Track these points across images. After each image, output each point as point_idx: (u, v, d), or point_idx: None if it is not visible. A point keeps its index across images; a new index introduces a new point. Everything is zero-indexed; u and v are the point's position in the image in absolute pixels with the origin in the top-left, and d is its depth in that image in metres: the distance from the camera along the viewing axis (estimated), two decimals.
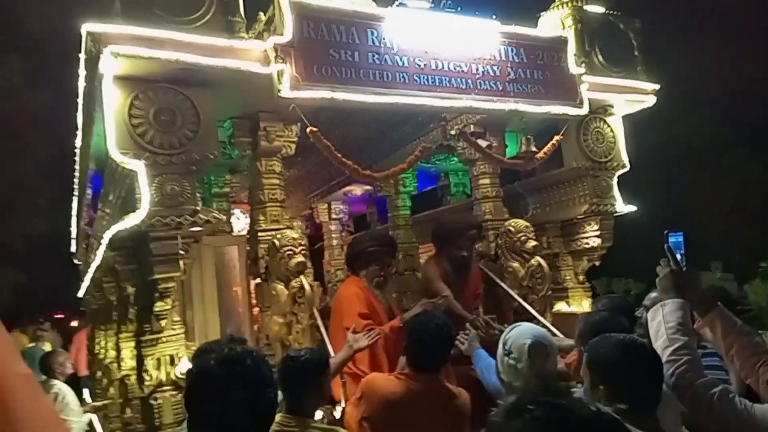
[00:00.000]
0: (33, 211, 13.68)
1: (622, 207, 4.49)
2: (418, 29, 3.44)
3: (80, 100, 3.48)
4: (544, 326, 3.83)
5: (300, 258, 3.35)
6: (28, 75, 11.93)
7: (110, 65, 2.76)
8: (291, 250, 3.37)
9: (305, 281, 3.34)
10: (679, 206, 14.49)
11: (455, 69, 3.52)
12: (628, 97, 4.37)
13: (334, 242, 7.10)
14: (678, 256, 2.02)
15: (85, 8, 2.82)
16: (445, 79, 3.48)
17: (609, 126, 4.53)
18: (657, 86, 4.38)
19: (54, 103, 13.36)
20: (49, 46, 12.06)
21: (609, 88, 4.25)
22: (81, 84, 3.25)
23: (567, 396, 1.05)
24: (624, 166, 4.52)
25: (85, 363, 8.42)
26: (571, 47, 4.04)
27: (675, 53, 13.74)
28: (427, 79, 3.42)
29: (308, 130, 3.25)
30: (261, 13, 3.24)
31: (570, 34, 4.13)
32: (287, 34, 3.03)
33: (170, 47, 2.79)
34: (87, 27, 2.67)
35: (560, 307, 4.71)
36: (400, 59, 3.35)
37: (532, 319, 3.99)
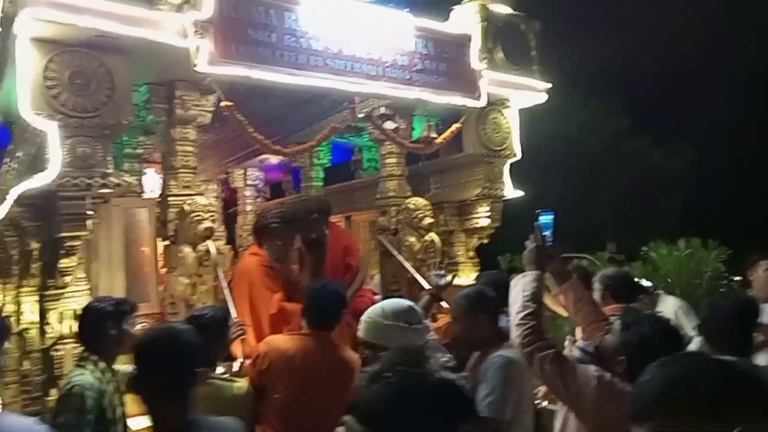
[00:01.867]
0: None
1: (511, 192, 4.99)
2: (334, 16, 3.66)
3: None
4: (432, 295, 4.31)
5: (208, 224, 3.55)
6: None
7: (26, 27, 2.80)
8: (200, 215, 3.56)
9: (211, 245, 3.55)
10: (585, 191, 15.53)
11: (366, 56, 3.79)
12: (524, 93, 4.84)
13: (248, 208, 7.24)
14: (546, 234, 2.25)
15: None
16: (357, 65, 3.74)
17: (505, 118, 4.98)
18: (549, 85, 4.86)
19: None
20: None
21: (506, 84, 4.68)
22: None
23: (421, 365, 1.36)
24: (515, 155, 5.00)
25: None
26: (476, 44, 4.41)
27: (584, 48, 14.64)
28: (340, 64, 3.67)
29: (222, 104, 3.42)
30: None
31: (476, 31, 4.49)
32: (207, 11, 3.17)
33: (88, 14, 2.86)
34: None
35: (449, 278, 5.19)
36: (315, 43, 3.57)
37: (422, 288, 4.45)
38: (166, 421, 1.65)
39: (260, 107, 4.46)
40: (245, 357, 3.11)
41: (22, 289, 4.68)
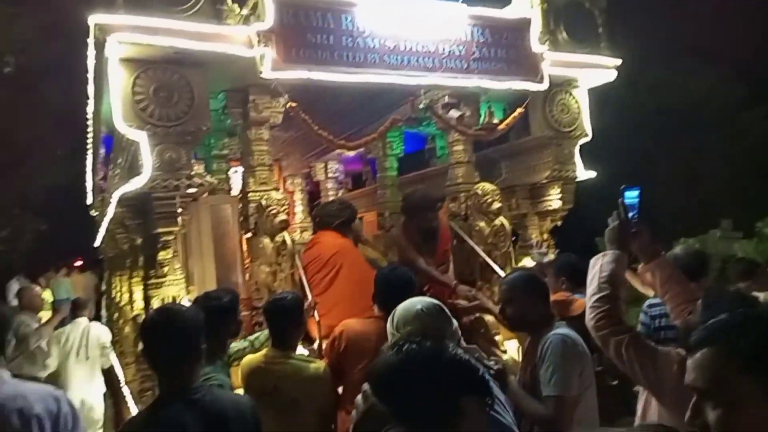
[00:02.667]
0: (51, 162, 14.16)
1: (583, 173, 4.93)
2: (389, 13, 3.83)
3: (90, 75, 3.95)
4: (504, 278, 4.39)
5: (283, 216, 3.87)
6: (41, 29, 12.05)
7: (114, 50, 3.22)
8: (275, 209, 3.88)
9: (287, 236, 3.87)
10: (695, 166, 14.37)
11: (422, 49, 3.92)
12: (591, 71, 4.75)
13: (330, 199, 7.60)
14: (631, 212, 2.11)
15: None
16: (413, 59, 3.89)
17: (574, 98, 4.91)
18: (618, 61, 4.73)
19: (66, 57, 13.75)
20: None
21: (572, 64, 4.62)
22: (90, 63, 3.72)
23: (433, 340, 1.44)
24: (586, 135, 4.92)
25: None
26: (537, 27, 4.40)
27: (697, 16, 13.66)
28: (396, 59, 3.83)
29: (287, 105, 3.71)
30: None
31: (537, 14, 4.48)
32: (269, 21, 3.45)
33: (165, 34, 3.23)
34: (94, 19, 3.11)
35: (525, 262, 5.22)
36: (372, 41, 3.76)
37: (494, 272, 4.54)
38: (163, 389, 1.87)
39: (333, 104, 4.72)
40: (321, 338, 3.39)
41: (133, 280, 5.32)
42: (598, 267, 2.00)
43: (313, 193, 8.22)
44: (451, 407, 1.30)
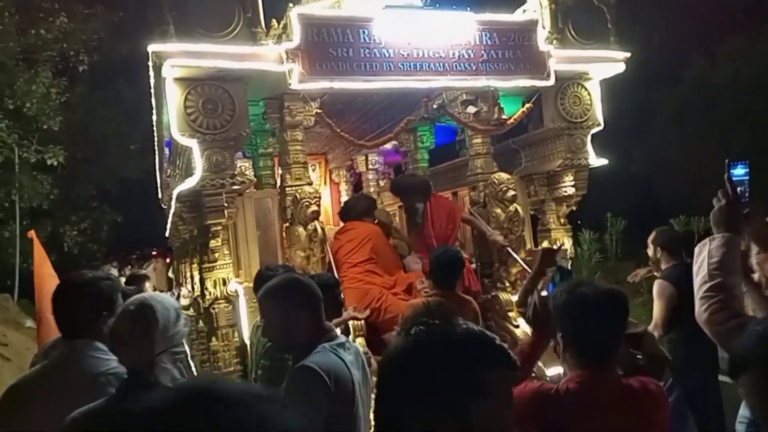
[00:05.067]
0: (125, 156, 15.24)
1: (595, 161, 5.25)
2: (402, 25, 4.31)
3: (152, 90, 4.65)
4: (517, 260, 4.85)
5: (314, 207, 4.45)
6: (113, 27, 12.90)
7: (169, 72, 3.88)
8: (308, 201, 4.47)
9: (318, 225, 4.46)
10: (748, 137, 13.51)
11: (434, 55, 4.38)
12: (601, 65, 5.06)
13: (371, 189, 8.17)
14: (739, 188, 1.86)
15: (149, 29, 3.94)
16: (425, 65, 4.36)
17: (586, 90, 5.22)
18: (627, 54, 5.01)
19: (135, 54, 14.74)
20: None
21: (580, 60, 4.95)
22: (151, 80, 4.41)
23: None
24: (599, 125, 5.24)
25: None
26: (545, 26, 4.77)
27: None
28: (410, 66, 4.32)
29: (314, 112, 4.28)
30: (275, 22, 4.22)
31: (545, 14, 4.84)
32: (296, 40, 4.02)
33: (210, 57, 3.86)
34: (151, 48, 3.78)
35: (544, 245, 5.61)
36: (387, 51, 4.26)
37: (509, 254, 4.99)
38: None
39: (359, 108, 5.27)
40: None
41: (193, 266, 6.08)
42: (705, 253, 1.75)
43: (357, 184, 8.82)
44: (471, 384, 1.12)
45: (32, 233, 4.48)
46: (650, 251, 4.24)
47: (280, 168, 7.39)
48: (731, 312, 1.64)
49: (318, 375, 1.91)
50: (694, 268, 1.79)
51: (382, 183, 8.35)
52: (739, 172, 1.90)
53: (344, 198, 8.41)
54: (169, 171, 8.05)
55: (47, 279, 3.80)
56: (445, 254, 3.50)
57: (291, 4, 4.24)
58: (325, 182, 8.71)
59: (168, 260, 13.99)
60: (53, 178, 12.29)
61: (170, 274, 13.10)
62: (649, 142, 14.17)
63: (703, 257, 1.76)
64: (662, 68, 13.58)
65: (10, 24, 10.09)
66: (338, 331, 2.42)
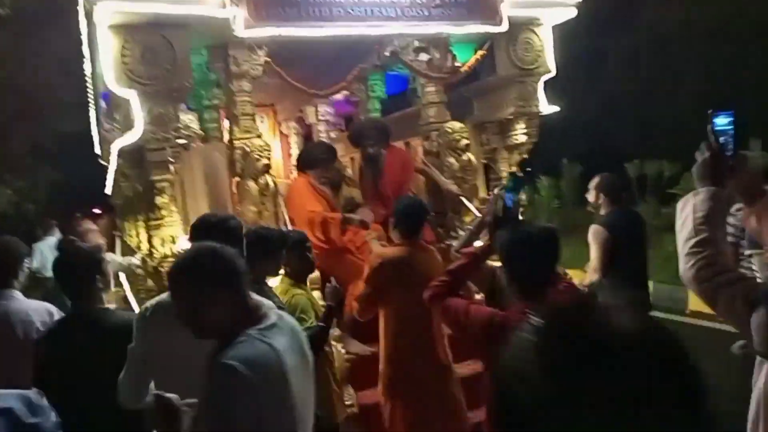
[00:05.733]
0: (61, 110, 14.23)
1: (546, 108, 5.27)
2: None
3: (83, 38, 4.32)
4: (471, 210, 4.88)
5: (265, 161, 4.31)
6: None
7: (103, 18, 3.60)
8: (258, 154, 4.33)
9: (269, 179, 4.33)
10: (730, 82, 13.49)
11: (386, 0, 4.23)
12: (553, 10, 5.01)
13: (323, 140, 7.99)
14: (722, 139, 1.77)
15: None
16: (377, 10, 4.21)
17: (537, 36, 5.18)
18: None
19: (64, 2, 13.61)
20: None
21: (532, 4, 4.90)
22: (83, 27, 4.09)
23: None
24: (549, 71, 5.23)
25: None
26: None
27: None
28: (361, 11, 4.16)
29: (263, 61, 4.08)
30: None
31: None
32: None
33: (147, 0, 3.59)
34: None
35: (496, 191, 5.66)
36: None
37: (462, 203, 5.02)
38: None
39: (309, 56, 5.04)
40: None
41: (140, 223, 5.85)
42: (689, 208, 1.69)
43: (307, 136, 8.62)
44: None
45: None
46: (591, 196, 4.32)
47: (227, 120, 7.19)
48: (720, 267, 1.61)
49: (240, 375, 1.57)
50: (677, 224, 1.73)
51: (333, 134, 8.18)
52: (722, 121, 1.79)
53: (294, 150, 8.23)
54: (106, 125, 7.64)
55: None
56: (410, 204, 3.46)
57: None
58: (275, 134, 8.46)
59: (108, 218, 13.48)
60: None
61: (114, 233, 12.65)
62: (601, 87, 14.33)
63: (687, 212, 1.69)
64: (613, 13, 13.59)
65: None
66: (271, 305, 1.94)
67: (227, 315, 1.70)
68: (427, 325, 3.26)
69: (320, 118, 8.00)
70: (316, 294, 3.67)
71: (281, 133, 8.57)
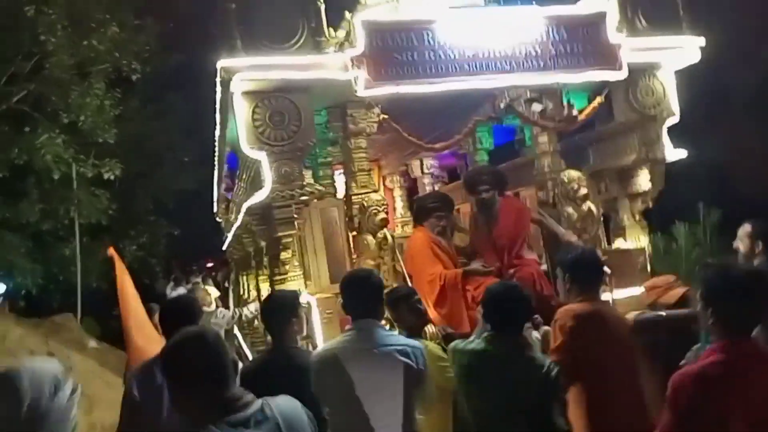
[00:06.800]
0: (180, 169, 15.10)
1: (672, 154, 5.00)
2: (466, 25, 4.20)
3: (217, 105, 4.68)
4: None
5: (382, 215, 4.38)
6: (163, 38, 12.68)
7: (237, 86, 3.88)
8: (376, 209, 4.40)
9: (387, 233, 4.38)
10: None
11: (500, 54, 4.25)
12: (673, 53, 4.81)
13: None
14: None
15: (216, 43, 3.95)
16: (491, 64, 4.23)
17: (658, 80, 4.98)
18: (702, 42, 4.76)
19: (186, 67, 14.77)
20: (177, 9, 13.20)
21: (652, 49, 4.73)
22: (217, 96, 4.42)
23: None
24: (673, 115, 4.98)
25: None
26: (614, 17, 4.57)
27: None
28: (475, 66, 4.20)
29: (380, 118, 4.20)
30: (339, 30, 4.17)
31: (614, 4, 4.64)
32: (360, 47, 3.96)
33: (276, 69, 3.85)
34: (220, 63, 3.79)
35: (618, 243, 5.38)
36: (452, 52, 4.16)
37: None
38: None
39: (421, 110, 5.16)
40: None
41: (260, 277, 6.10)
42: None
43: (411, 189, 8.71)
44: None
45: (112, 250, 4.52)
46: (743, 245, 3.92)
47: (342, 176, 7.45)
48: None
49: None
50: None
51: (437, 187, 8.22)
52: None
53: (399, 204, 8.33)
54: (225, 184, 8.15)
55: (132, 298, 3.83)
56: (583, 253, 3.03)
57: (347, 12, 4.20)
58: (379, 188, 8.63)
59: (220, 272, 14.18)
60: (111, 193, 12.31)
61: (226, 285, 13.29)
62: (725, 128, 13.40)
63: None
64: (736, 50, 12.83)
65: (63, 37, 9.85)
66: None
67: (196, 406, 1.66)
68: (633, 391, 2.73)
69: (425, 171, 8.09)
70: None
71: (386, 187, 8.73)
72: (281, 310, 2.84)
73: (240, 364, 2.88)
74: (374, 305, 2.61)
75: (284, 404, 1.78)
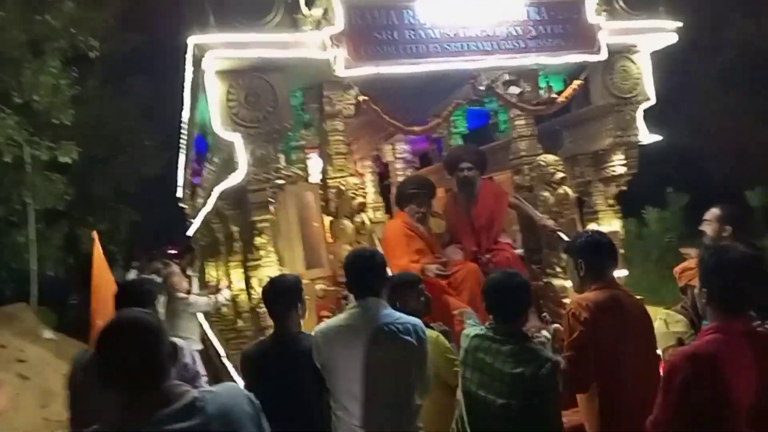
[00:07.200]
0: (141, 154, 14.79)
1: (647, 137, 5.03)
2: (448, 4, 4.09)
3: (186, 85, 4.46)
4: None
5: (360, 199, 4.28)
6: (121, 17, 12.29)
7: (210, 64, 3.69)
8: (353, 193, 4.30)
9: (365, 217, 4.28)
10: None
11: (481, 34, 4.16)
12: (651, 36, 4.82)
13: (399, 179, 7.94)
14: None
15: (188, 19, 3.74)
16: (472, 44, 4.14)
17: (635, 63, 4.98)
18: (678, 24, 4.77)
19: (145, 49, 14.24)
20: None
21: (630, 31, 4.71)
22: (188, 75, 4.22)
23: None
24: (648, 99, 5.00)
25: None
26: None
27: None
28: (457, 46, 4.10)
29: (360, 99, 4.07)
30: (317, 6, 4.00)
31: None
32: (339, 25, 3.81)
33: (252, 46, 3.67)
34: (192, 39, 3.59)
35: (592, 228, 5.40)
36: (433, 32, 4.04)
37: (559, 239, 4.78)
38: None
39: (399, 91, 5.04)
40: None
41: (230, 264, 5.93)
42: None
43: (383, 174, 8.61)
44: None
45: (95, 234, 4.28)
46: (709, 229, 3.93)
47: (315, 160, 7.28)
48: None
49: None
50: None
51: (409, 172, 8.14)
52: None
53: (370, 189, 8.21)
54: (191, 169, 7.88)
55: (107, 285, 3.62)
56: (593, 236, 2.80)
57: None
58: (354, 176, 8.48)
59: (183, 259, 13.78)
60: (68, 178, 11.78)
61: (189, 272, 12.94)
62: (690, 111, 13.58)
63: None
64: (702, 33, 12.96)
65: (14, 11, 9.35)
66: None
67: (122, 401, 1.55)
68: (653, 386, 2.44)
69: (397, 156, 7.99)
70: None
71: (357, 172, 8.58)
72: (286, 294, 2.83)
73: (186, 351, 2.78)
74: (378, 284, 2.65)
75: (223, 393, 1.66)
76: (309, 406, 2.65)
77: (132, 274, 11.87)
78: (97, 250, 4.00)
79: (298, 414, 2.62)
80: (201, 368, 2.89)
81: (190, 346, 3.01)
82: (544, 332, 2.94)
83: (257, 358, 2.82)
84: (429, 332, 2.80)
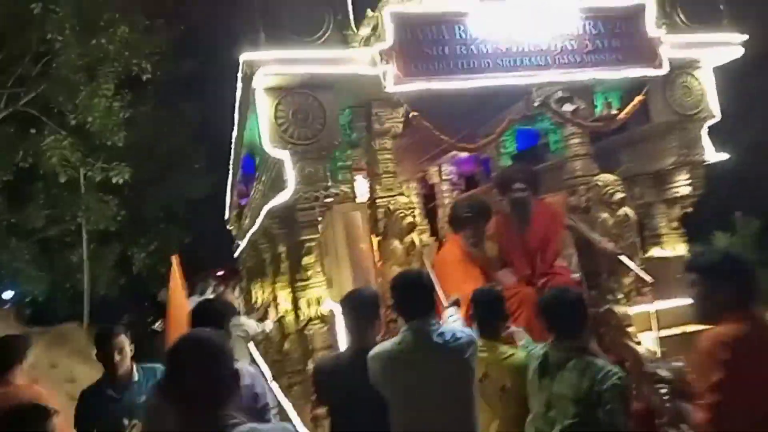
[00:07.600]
0: (190, 175, 14.99)
1: (713, 156, 4.75)
2: (500, 18, 3.98)
3: (236, 104, 4.48)
4: (632, 269, 4.39)
5: (410, 219, 4.14)
6: (174, 42, 12.48)
7: (260, 82, 3.67)
8: (402, 212, 4.17)
9: (415, 237, 4.14)
10: None
11: (535, 48, 4.03)
12: (714, 50, 4.58)
13: (446, 201, 7.80)
14: None
15: (239, 38, 3.75)
16: (526, 59, 4.01)
17: (697, 79, 4.74)
18: (744, 37, 4.53)
19: (197, 73, 14.56)
20: (190, 15, 12.83)
21: (692, 45, 4.49)
22: (238, 93, 4.22)
23: None
24: (713, 117, 4.74)
25: None
26: (651, 11, 4.34)
27: None
28: (509, 61, 3.98)
29: (410, 115, 3.98)
30: (366, 23, 3.96)
31: None
32: (389, 41, 3.75)
33: (302, 63, 3.64)
34: (243, 57, 3.59)
35: (654, 252, 5.12)
36: (484, 46, 3.94)
37: (621, 263, 4.52)
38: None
39: (449, 108, 4.95)
40: None
41: (277, 285, 5.86)
42: None
43: (428, 197, 8.48)
44: None
45: (174, 258, 4.31)
46: None
47: (361, 181, 7.22)
48: None
49: None
50: None
51: (455, 194, 7.99)
52: None
53: (415, 212, 8.07)
54: (240, 190, 7.93)
55: (182, 307, 3.60)
56: (727, 255, 2.27)
57: (379, 4, 3.99)
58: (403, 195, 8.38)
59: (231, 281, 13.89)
60: (119, 199, 11.91)
61: (236, 294, 13.02)
62: (760, 128, 12.86)
63: None
64: None
65: (71, 36, 9.56)
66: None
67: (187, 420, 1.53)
68: None
69: (444, 177, 7.86)
70: None
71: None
72: (367, 308, 2.75)
73: (258, 380, 2.69)
74: (427, 306, 2.59)
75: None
76: (383, 421, 2.56)
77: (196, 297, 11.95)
78: (175, 274, 4.00)
79: (371, 428, 2.55)
80: (272, 400, 2.83)
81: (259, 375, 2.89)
82: (661, 371, 2.48)
83: (333, 371, 2.76)
84: (516, 352, 2.94)
